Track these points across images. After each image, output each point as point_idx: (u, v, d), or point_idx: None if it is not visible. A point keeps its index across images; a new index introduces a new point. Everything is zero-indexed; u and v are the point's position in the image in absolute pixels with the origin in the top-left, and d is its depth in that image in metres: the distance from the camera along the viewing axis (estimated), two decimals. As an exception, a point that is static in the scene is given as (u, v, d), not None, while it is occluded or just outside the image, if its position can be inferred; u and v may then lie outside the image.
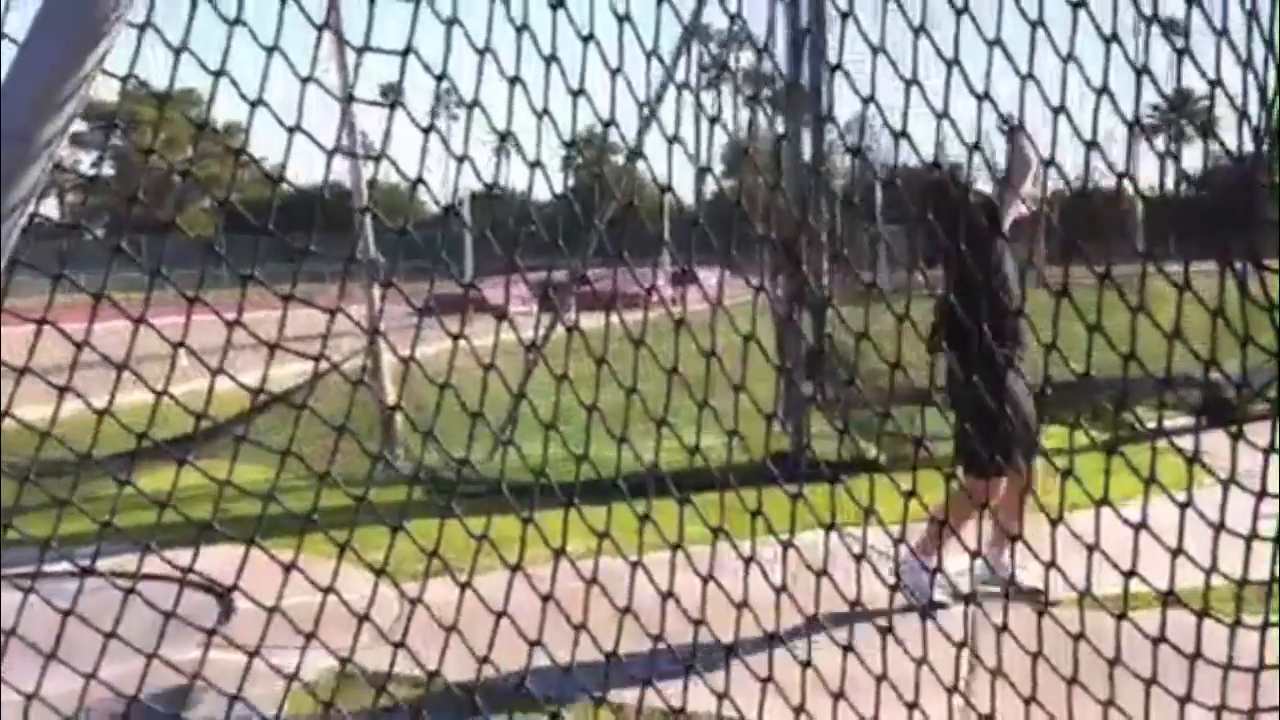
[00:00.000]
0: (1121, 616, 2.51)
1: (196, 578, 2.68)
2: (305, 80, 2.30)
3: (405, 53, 2.39)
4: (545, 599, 2.63)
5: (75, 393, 2.33)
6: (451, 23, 2.40)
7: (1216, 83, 2.15)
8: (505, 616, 2.64)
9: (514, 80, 2.45)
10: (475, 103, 2.44)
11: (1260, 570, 2.42)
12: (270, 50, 2.32)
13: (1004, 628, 2.61)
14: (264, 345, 2.37)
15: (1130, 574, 2.43)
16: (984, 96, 2.42)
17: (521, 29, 2.45)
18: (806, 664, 2.63)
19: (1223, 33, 2.20)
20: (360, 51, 2.34)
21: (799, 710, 2.68)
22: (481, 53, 2.43)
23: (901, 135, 2.41)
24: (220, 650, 2.65)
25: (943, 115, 2.41)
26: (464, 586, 2.61)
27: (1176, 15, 2.30)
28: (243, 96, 2.28)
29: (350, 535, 2.55)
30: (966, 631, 2.73)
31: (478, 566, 2.66)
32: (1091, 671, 2.58)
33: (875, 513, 2.56)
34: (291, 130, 2.30)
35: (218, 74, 2.27)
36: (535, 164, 2.52)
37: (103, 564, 2.51)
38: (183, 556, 2.46)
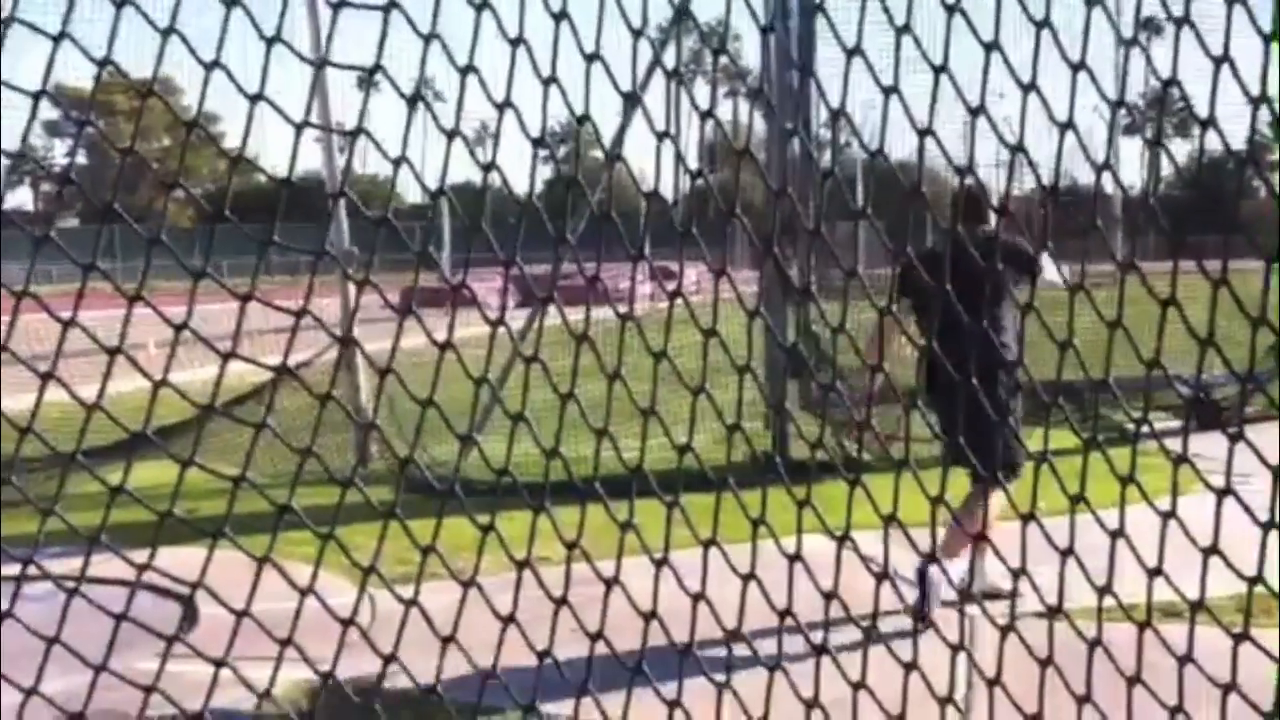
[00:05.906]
0: (1144, 627, 2.43)
1: (155, 579, 2.54)
2: (271, 41, 2.16)
3: (388, 8, 2.23)
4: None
5: (61, 382, 2.22)
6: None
7: (1224, 59, 2.07)
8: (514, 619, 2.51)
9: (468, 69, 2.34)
10: (470, 67, 2.31)
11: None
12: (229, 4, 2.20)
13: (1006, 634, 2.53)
14: (226, 348, 2.27)
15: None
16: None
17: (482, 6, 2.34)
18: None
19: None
20: (337, 7, 2.20)
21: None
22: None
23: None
24: (182, 661, 2.50)
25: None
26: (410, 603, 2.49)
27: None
28: (201, 61, 2.16)
29: (332, 530, 2.43)
30: (962, 636, 2.65)
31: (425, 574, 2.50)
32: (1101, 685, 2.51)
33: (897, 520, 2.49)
34: (253, 99, 2.16)
35: (211, 65, 2.17)
36: (537, 140, 2.40)
37: (60, 566, 2.40)
38: (143, 557, 2.35)
